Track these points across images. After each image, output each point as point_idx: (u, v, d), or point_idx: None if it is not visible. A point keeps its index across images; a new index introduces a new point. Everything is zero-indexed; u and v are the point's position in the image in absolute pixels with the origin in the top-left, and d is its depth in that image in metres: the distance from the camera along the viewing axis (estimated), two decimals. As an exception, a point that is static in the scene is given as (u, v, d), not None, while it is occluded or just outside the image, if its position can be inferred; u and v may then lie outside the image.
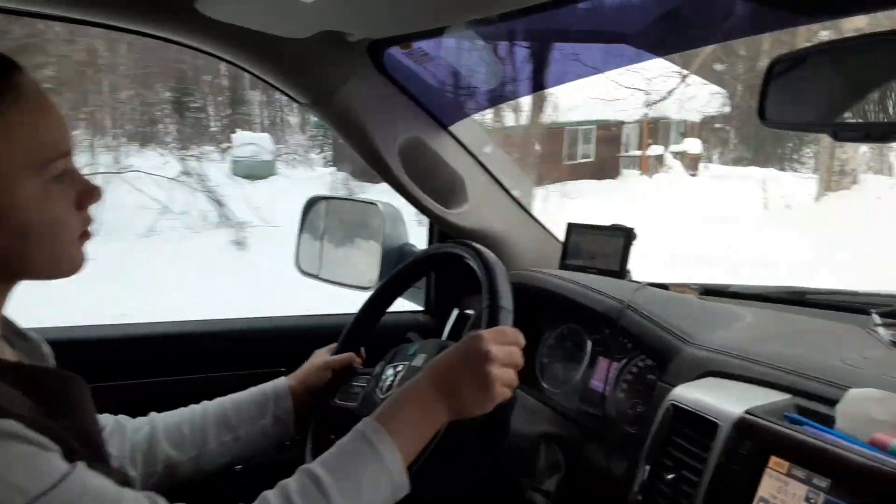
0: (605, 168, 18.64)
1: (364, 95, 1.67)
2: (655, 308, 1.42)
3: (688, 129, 20.41)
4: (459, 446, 1.13)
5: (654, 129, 19.38)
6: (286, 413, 1.33)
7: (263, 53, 1.59)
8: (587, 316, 1.55)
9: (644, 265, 1.91)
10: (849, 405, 0.94)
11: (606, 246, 1.83)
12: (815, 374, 1.06)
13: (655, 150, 19.08)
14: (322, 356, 1.45)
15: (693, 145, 19.51)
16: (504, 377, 1.08)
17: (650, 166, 18.56)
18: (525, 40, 1.71)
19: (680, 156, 18.85)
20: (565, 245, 1.95)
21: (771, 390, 1.08)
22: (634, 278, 1.85)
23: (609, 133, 19.27)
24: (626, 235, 1.80)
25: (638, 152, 19.23)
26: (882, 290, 1.59)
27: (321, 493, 0.92)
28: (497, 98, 2.17)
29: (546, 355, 1.67)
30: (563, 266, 1.92)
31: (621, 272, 1.80)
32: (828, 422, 0.96)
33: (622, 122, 18.79)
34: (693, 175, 18.22)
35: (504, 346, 1.09)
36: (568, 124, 17.94)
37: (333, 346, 1.50)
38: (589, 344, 1.54)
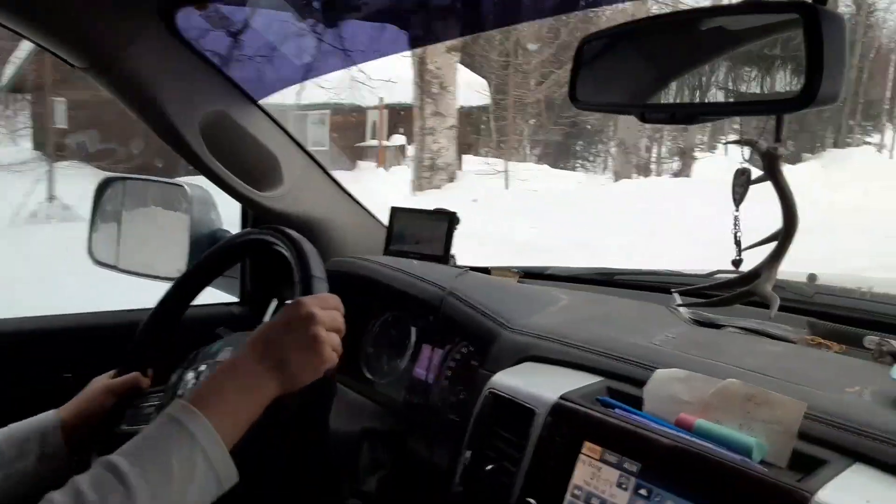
0: (341, 158, 15.84)
1: (155, 61, 1.46)
2: (476, 294, 1.39)
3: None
4: (278, 431, 1.02)
5: (402, 117, 16.36)
6: (56, 449, 1.13)
7: (30, 6, 1.32)
8: (410, 303, 1.49)
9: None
10: (655, 386, 0.96)
11: (430, 231, 1.78)
12: (626, 356, 1.08)
13: (398, 139, 16.83)
14: (101, 381, 1.26)
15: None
16: (331, 340, 1.00)
17: (388, 158, 16.16)
18: (333, 12, 1.59)
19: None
20: (389, 230, 1.87)
21: (587, 374, 1.09)
22: (458, 263, 1.82)
23: (350, 119, 16.98)
24: (449, 220, 1.77)
25: (375, 142, 16.79)
26: (684, 270, 1.70)
27: (119, 480, 0.78)
28: (309, 72, 2.02)
29: (371, 345, 1.60)
30: (388, 252, 1.85)
31: (445, 257, 1.76)
32: (638, 404, 0.98)
33: (364, 108, 16.40)
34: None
35: (327, 310, 1.02)
36: (291, 107, 14.13)
37: (113, 371, 1.30)
38: (413, 332, 1.48)
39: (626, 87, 0.75)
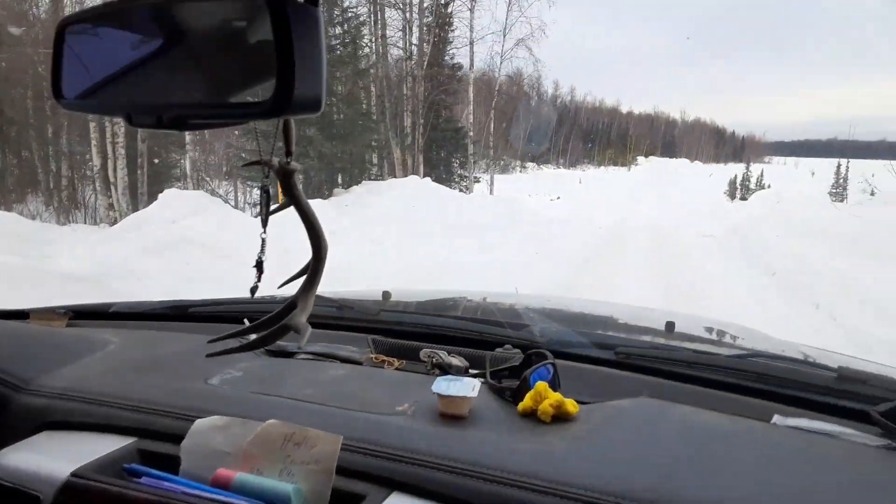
0: None
1: None
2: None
3: None
4: None
5: None
6: None
7: None
8: None
9: None
10: (193, 441, 0.82)
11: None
12: (164, 408, 0.92)
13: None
14: None
15: None
16: None
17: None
18: None
19: None
20: None
21: (117, 436, 0.89)
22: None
23: None
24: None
25: None
26: (264, 296, 1.61)
27: None
28: None
29: None
30: None
31: None
32: (177, 464, 0.82)
33: None
34: None
35: None
36: None
37: None
38: None
39: (114, 84, 0.60)
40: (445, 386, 0.98)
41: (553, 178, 44.75)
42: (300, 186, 0.67)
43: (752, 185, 44.36)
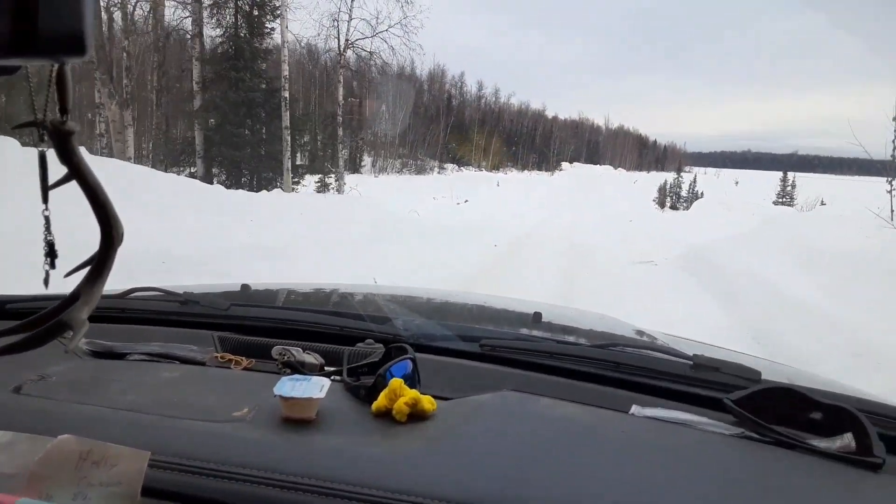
0: None
1: None
2: None
3: None
4: None
5: None
6: None
7: None
8: None
9: None
10: (-34, 463, 0.68)
11: None
12: None
13: None
14: None
15: None
16: None
17: None
18: None
19: None
20: None
21: None
22: None
23: None
24: None
25: None
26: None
27: None
28: None
29: None
30: None
31: None
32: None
33: None
34: None
35: None
36: None
37: None
38: None
39: None
40: (290, 387, 0.88)
41: (472, 180, 42.34)
42: (80, 151, 0.55)
43: (684, 193, 43.05)
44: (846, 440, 0.90)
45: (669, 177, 47.92)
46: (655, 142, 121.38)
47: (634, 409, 1.01)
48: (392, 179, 38.53)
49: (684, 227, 15.23)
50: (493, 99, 74.40)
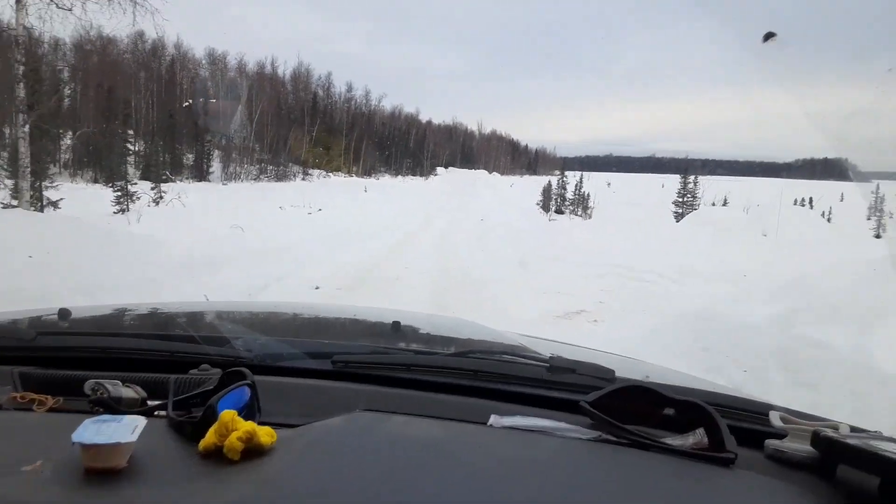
0: None
1: None
2: None
3: None
4: None
5: None
6: None
7: None
8: None
9: None
10: None
11: None
12: None
13: None
14: None
15: None
16: None
17: None
18: None
19: None
20: None
21: None
22: None
23: None
24: None
25: None
26: None
27: None
28: None
29: None
30: None
31: None
32: None
33: None
34: None
35: None
36: None
37: None
38: None
39: None
40: (94, 430, 0.74)
41: (339, 186, 39.82)
42: None
43: (570, 195, 39.31)
44: (699, 436, 0.90)
45: (545, 180, 44.18)
46: (527, 146, 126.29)
47: (493, 419, 0.96)
48: (244, 188, 35.29)
49: (609, 243, 11.50)
50: (364, 101, 73.64)
